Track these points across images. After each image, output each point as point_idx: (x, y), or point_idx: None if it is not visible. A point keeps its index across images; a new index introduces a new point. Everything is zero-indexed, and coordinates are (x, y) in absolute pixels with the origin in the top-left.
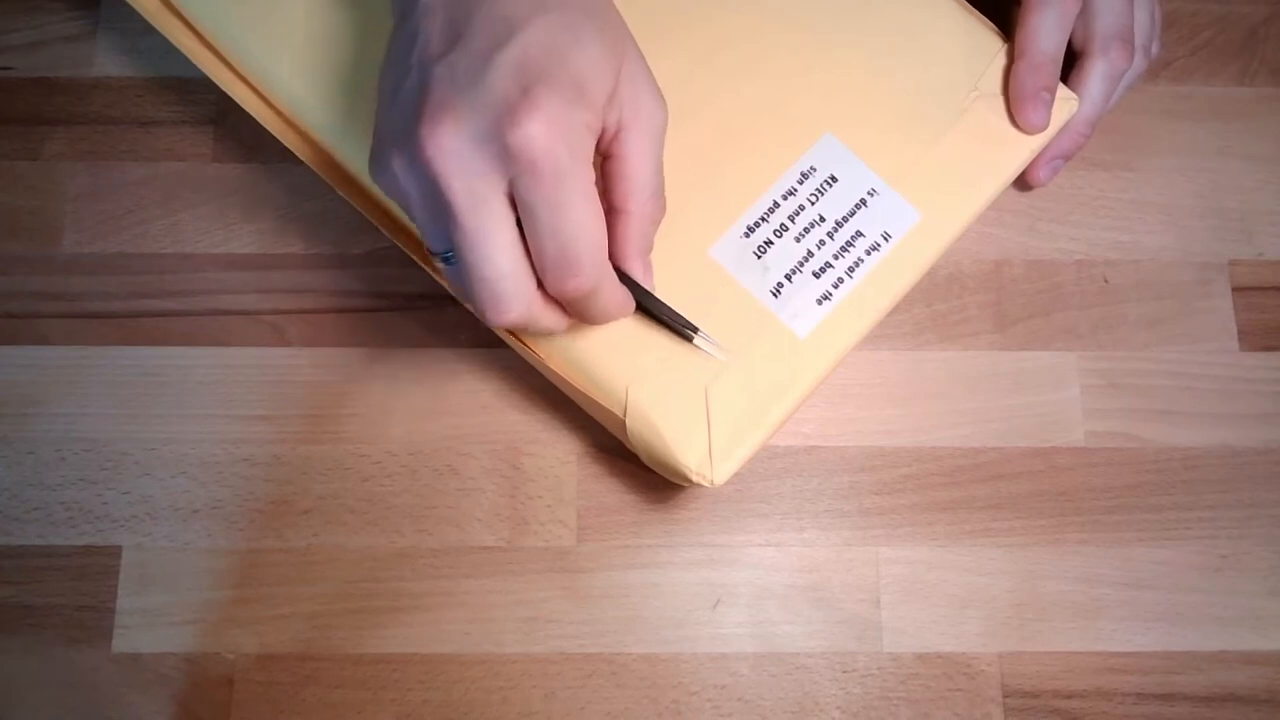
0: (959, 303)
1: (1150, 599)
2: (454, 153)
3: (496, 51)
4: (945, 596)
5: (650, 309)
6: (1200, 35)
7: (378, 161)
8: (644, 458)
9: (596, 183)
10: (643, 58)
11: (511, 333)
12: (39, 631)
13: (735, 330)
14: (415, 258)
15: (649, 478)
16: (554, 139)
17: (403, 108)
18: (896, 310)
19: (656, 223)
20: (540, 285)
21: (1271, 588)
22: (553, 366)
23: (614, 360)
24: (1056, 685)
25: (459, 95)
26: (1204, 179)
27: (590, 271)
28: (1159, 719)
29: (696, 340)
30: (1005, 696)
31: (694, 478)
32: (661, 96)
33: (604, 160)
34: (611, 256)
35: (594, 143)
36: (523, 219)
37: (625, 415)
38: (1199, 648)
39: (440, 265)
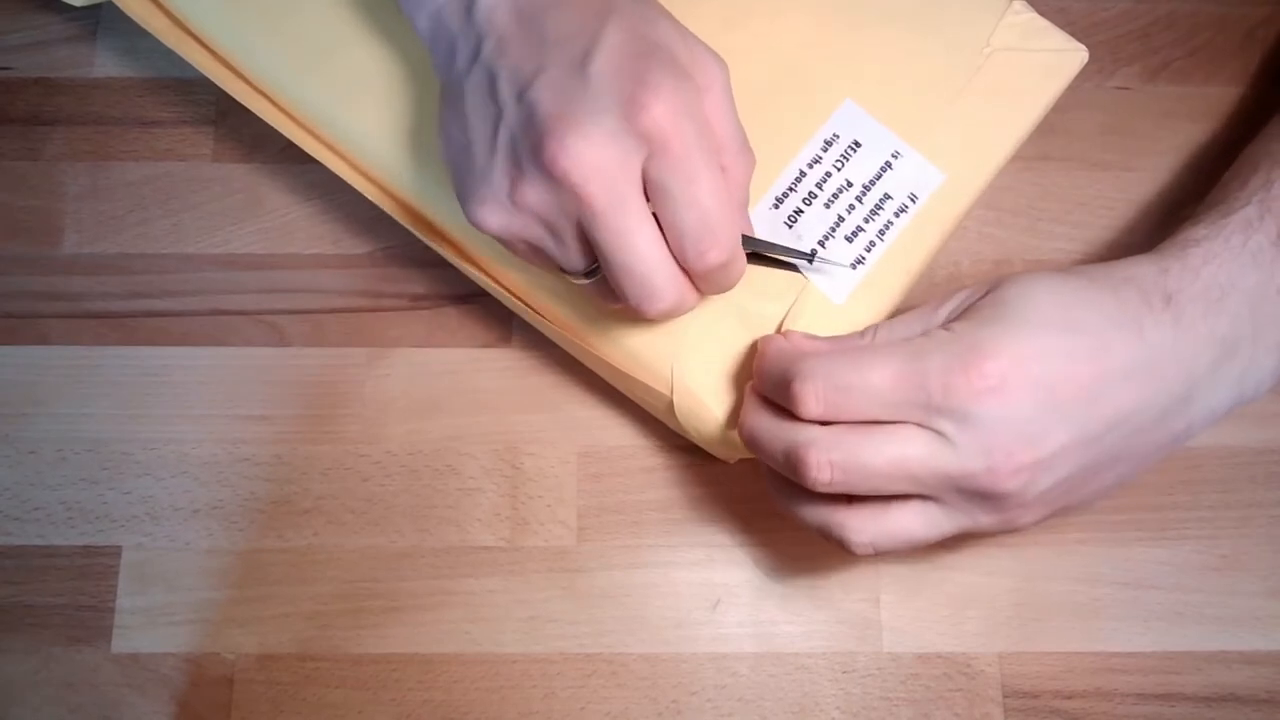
0: None
1: (1150, 599)
2: (589, 157)
3: (590, 58)
4: (945, 596)
5: (761, 253)
6: (1199, 36)
7: (498, 204)
8: (692, 435)
9: None
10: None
11: (549, 320)
12: (39, 631)
13: (774, 302)
14: (434, 245)
15: (649, 478)
16: (679, 114)
17: (512, 142)
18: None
19: (750, 174)
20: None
21: (1271, 588)
22: (595, 352)
23: (656, 340)
24: (1056, 685)
25: (572, 106)
26: (1204, 179)
27: (727, 239)
28: (1159, 719)
29: (817, 263)
30: (1005, 696)
31: (748, 450)
32: (716, 52)
33: None
34: None
35: (704, 109)
36: (657, 201)
37: (672, 393)
38: (1199, 648)
39: (582, 282)
